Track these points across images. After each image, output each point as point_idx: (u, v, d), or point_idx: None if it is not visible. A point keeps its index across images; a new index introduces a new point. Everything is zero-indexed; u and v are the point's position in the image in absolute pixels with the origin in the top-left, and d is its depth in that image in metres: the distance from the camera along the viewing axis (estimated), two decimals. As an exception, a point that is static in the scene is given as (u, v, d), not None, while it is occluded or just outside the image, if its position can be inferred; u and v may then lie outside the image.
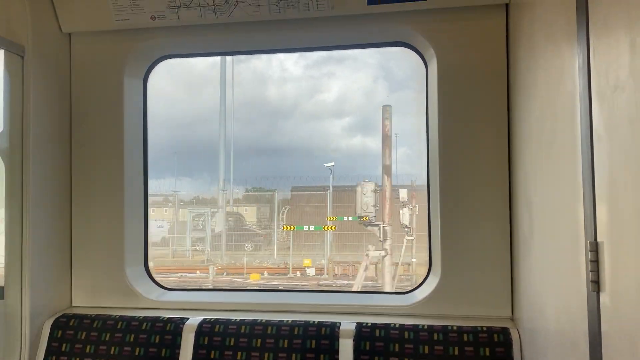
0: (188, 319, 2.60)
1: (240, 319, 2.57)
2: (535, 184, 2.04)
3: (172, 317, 2.62)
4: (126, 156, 2.86)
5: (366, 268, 11.52)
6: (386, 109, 11.89)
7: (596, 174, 1.34)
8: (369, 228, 11.94)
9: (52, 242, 2.75)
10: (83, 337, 2.61)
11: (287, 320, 2.53)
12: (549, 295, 1.85)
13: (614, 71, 1.23)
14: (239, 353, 2.46)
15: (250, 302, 2.83)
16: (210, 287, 12.73)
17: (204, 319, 2.58)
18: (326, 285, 12.05)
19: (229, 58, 15.46)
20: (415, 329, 2.41)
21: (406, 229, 12.03)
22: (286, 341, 2.46)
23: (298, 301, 2.81)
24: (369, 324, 2.46)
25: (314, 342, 2.44)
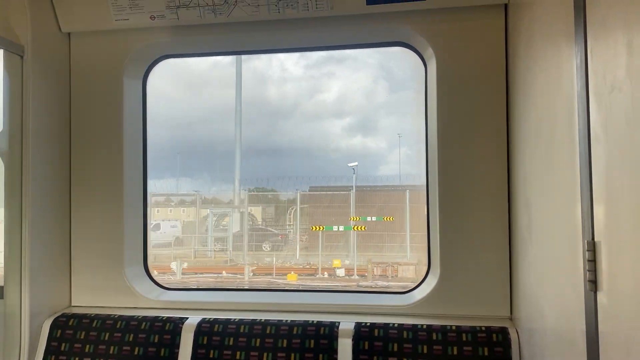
0: (187, 318, 2.61)
1: (240, 319, 2.57)
2: (534, 183, 2.04)
3: (171, 317, 2.62)
4: (126, 156, 2.86)
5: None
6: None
7: (594, 174, 1.34)
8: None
9: (51, 241, 2.76)
10: (82, 336, 2.62)
11: (286, 320, 2.53)
12: (547, 295, 1.85)
13: (611, 71, 1.23)
14: (238, 353, 2.47)
15: (250, 301, 2.83)
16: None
17: (203, 319, 2.59)
18: (366, 287, 11.77)
19: (232, 58, 15.42)
20: (414, 328, 2.41)
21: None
22: (285, 341, 2.46)
23: (297, 301, 2.81)
24: (368, 324, 2.46)
25: (312, 341, 2.44)
